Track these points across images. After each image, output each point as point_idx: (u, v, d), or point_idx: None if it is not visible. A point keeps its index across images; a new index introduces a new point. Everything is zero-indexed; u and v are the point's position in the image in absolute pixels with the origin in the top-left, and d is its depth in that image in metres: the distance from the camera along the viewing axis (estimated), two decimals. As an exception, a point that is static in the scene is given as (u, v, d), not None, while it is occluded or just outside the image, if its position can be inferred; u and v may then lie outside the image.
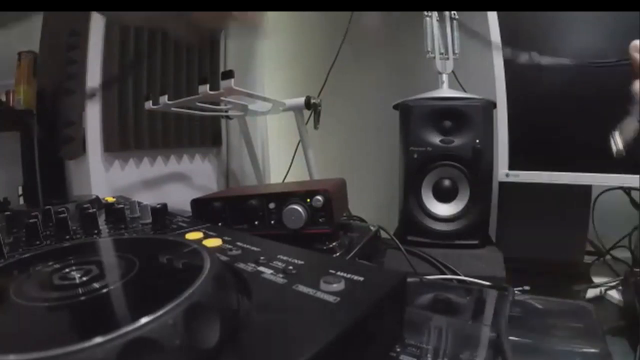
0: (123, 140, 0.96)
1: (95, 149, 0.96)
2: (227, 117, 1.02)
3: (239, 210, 0.59)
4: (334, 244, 0.57)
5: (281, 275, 0.25)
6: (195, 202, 0.63)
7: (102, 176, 0.98)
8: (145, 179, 1.05)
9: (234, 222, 0.60)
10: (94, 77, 0.93)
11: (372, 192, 1.00)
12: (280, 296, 0.23)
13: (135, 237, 0.38)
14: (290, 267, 0.27)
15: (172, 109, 0.71)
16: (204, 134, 1.15)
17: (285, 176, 1.05)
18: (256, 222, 0.58)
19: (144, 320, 0.15)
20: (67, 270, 0.22)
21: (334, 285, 0.23)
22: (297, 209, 0.54)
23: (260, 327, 0.19)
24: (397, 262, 0.58)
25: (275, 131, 1.22)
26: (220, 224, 0.58)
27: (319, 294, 0.22)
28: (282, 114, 0.83)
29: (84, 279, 0.21)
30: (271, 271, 0.26)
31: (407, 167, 0.65)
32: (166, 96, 0.68)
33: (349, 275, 0.25)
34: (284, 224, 0.55)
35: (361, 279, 0.25)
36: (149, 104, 0.70)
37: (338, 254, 0.55)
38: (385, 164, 0.77)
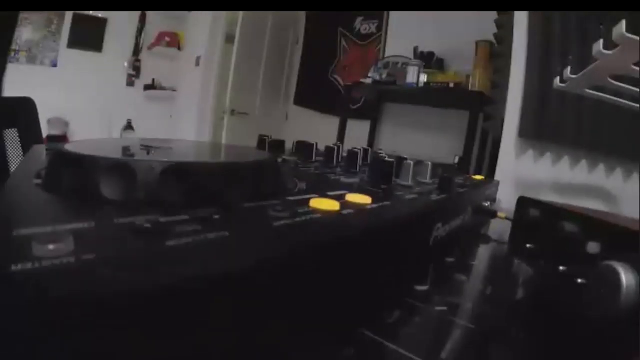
0: (538, 128, 0.84)
1: (510, 131, 0.89)
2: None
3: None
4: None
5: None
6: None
7: (511, 161, 0.90)
8: (557, 180, 0.87)
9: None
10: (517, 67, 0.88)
11: None
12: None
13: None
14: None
15: (586, 90, 0.49)
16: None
17: None
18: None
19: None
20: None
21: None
22: None
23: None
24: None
25: None
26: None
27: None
28: None
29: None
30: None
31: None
32: (569, 68, 0.48)
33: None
34: None
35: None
36: (556, 82, 0.51)
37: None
38: None
